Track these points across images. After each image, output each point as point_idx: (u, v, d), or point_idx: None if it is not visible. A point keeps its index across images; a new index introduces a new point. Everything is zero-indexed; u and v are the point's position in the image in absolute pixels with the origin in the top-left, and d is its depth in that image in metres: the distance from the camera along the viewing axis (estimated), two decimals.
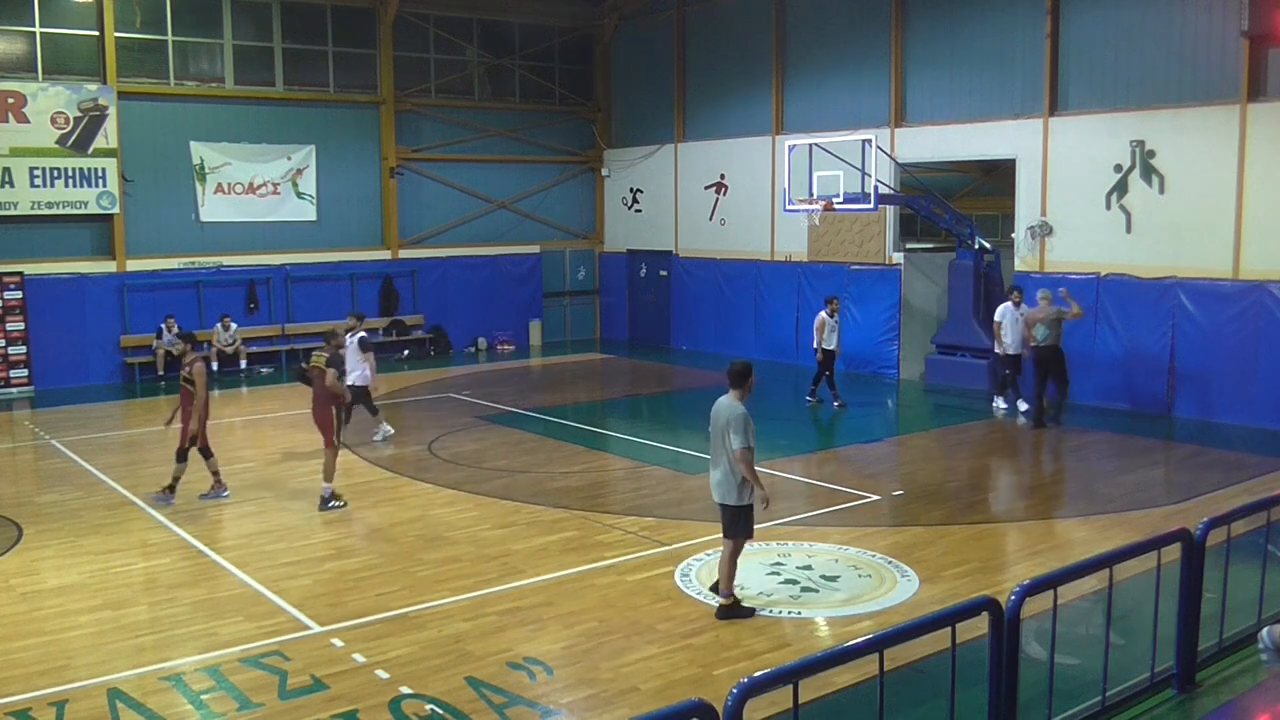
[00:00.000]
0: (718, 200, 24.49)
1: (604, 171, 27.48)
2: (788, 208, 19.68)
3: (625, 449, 15.52)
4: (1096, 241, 17.73)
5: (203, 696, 7.38)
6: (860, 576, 9.67)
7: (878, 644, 5.20)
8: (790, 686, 4.72)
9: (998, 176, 22.20)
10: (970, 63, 19.59)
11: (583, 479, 13.59)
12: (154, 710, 7.17)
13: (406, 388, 20.66)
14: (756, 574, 9.70)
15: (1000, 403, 17.42)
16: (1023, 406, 16.97)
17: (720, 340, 24.34)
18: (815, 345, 17.90)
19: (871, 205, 18.43)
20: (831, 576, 9.66)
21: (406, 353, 24.40)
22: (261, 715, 7.14)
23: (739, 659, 7.85)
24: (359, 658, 7.99)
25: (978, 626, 5.58)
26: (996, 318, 16.98)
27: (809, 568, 9.87)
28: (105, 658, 8.10)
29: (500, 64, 26.35)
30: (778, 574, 9.71)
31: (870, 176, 18.17)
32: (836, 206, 18.60)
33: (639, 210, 26.82)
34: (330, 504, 12.02)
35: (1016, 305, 16.70)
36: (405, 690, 7.42)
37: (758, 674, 4.59)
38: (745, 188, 23.74)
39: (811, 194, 18.89)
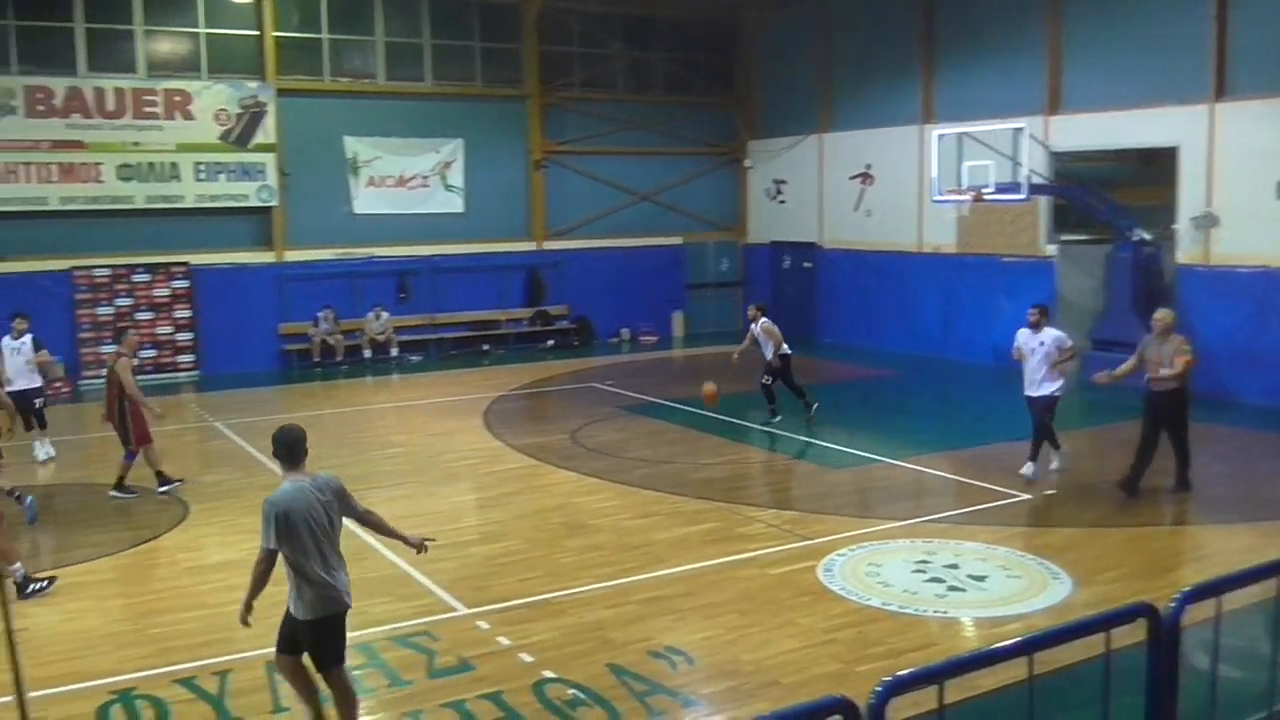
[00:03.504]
0: (863, 191, 24.12)
1: (746, 163, 27.34)
2: (936, 198, 19.27)
3: (766, 441, 15.43)
4: (1267, 234, 16.84)
5: (355, 672, 7.61)
6: (1009, 577, 9.42)
7: (1027, 647, 5.05)
8: (935, 687, 4.63)
9: (1155, 165, 21.27)
10: (1130, 46, 18.80)
11: (724, 470, 13.58)
12: None
13: (550, 377, 20.97)
14: (901, 571, 9.55)
15: (1027, 468, 12.71)
16: (1027, 470, 12.66)
17: (865, 333, 23.98)
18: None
19: (1023, 195, 17.91)
20: (979, 576, 9.44)
21: (551, 343, 24.74)
22: (411, 693, 7.35)
23: (882, 656, 7.74)
24: (504, 640, 8.15)
25: (1133, 633, 5.38)
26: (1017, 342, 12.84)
27: (955, 566, 9.66)
28: (265, 631, 8.35)
29: (643, 57, 26.46)
30: (923, 572, 9.54)
31: (1022, 166, 17.64)
32: (986, 197, 18.13)
33: (783, 201, 26.60)
34: (31, 588, 9.23)
35: (1035, 329, 12.54)
36: (548, 674, 7.53)
37: (902, 673, 4.50)
38: (891, 178, 23.30)
39: (960, 184, 18.45)
